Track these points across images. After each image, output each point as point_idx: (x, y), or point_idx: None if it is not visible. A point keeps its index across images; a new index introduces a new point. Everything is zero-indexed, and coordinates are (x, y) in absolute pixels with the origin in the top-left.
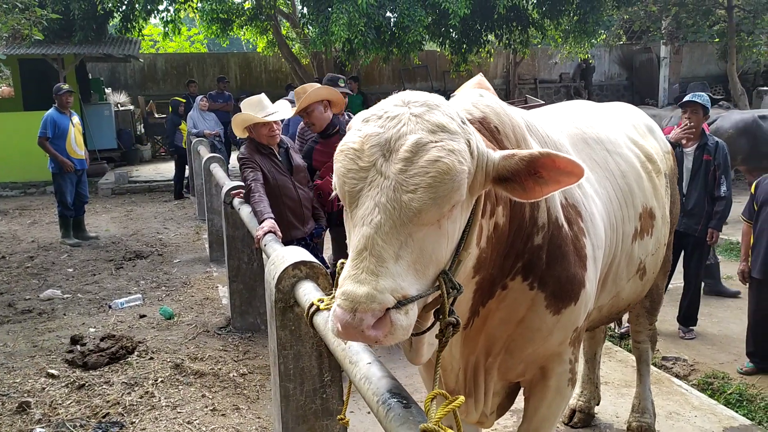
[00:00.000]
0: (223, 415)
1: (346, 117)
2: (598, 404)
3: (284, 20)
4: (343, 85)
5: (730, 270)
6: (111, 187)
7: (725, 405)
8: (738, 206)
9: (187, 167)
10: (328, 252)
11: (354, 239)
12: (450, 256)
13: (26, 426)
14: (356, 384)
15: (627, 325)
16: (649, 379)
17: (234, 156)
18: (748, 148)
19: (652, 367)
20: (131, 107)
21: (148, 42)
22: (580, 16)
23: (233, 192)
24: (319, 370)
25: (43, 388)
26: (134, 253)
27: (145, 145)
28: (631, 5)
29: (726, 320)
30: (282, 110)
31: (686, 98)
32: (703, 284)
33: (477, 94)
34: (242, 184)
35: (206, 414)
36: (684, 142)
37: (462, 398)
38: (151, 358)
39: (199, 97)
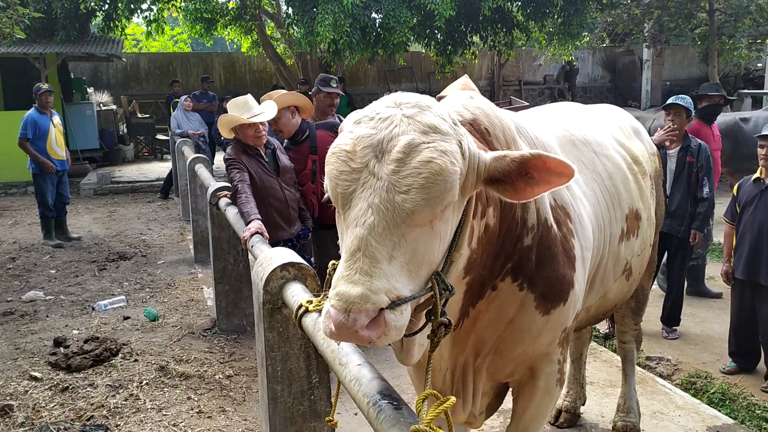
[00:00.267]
0: (209, 417)
1: (337, 119)
2: (583, 404)
3: (269, 20)
4: (335, 86)
5: (712, 271)
6: (93, 188)
7: (708, 404)
8: (720, 207)
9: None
10: None
11: (347, 240)
12: (442, 257)
13: (9, 429)
14: (346, 386)
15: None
16: (634, 379)
17: (218, 156)
18: (730, 150)
19: (636, 367)
20: (114, 107)
21: (131, 41)
22: (564, 19)
23: (219, 193)
24: (307, 371)
25: (26, 391)
26: (117, 255)
27: (128, 145)
28: (614, 8)
29: (708, 320)
30: (268, 111)
31: (669, 101)
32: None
33: (467, 96)
34: (228, 185)
35: (192, 416)
36: (667, 144)
37: (453, 399)
38: (136, 360)
39: (183, 97)
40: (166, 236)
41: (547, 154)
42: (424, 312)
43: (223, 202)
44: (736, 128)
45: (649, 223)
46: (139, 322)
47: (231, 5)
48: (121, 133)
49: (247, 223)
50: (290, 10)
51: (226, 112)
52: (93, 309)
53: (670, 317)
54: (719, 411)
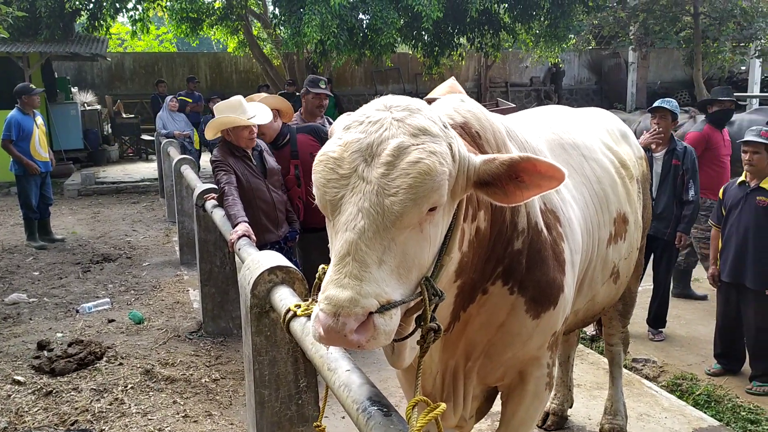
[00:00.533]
0: (195, 421)
1: (326, 122)
2: (571, 407)
3: (255, 20)
4: (324, 87)
5: (698, 273)
6: (77, 189)
7: (694, 406)
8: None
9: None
10: None
11: (337, 244)
12: (432, 261)
13: None
14: (335, 391)
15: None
16: (621, 382)
17: (205, 157)
18: None
19: (623, 369)
20: (98, 107)
21: (115, 41)
22: (550, 21)
23: (206, 195)
24: (295, 376)
25: (9, 396)
26: (102, 256)
27: (113, 146)
28: (600, 11)
29: (694, 322)
30: (264, 114)
31: (655, 104)
32: (672, 286)
33: (458, 100)
34: (215, 186)
35: (178, 421)
36: (653, 147)
37: (444, 406)
38: (121, 364)
39: (168, 98)
40: (152, 238)
41: (537, 157)
42: (414, 316)
43: (210, 204)
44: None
45: (637, 226)
46: (124, 325)
47: (217, 5)
48: (105, 133)
49: (234, 226)
50: (277, 11)
51: (212, 113)
52: (77, 312)
53: (657, 319)
54: (705, 413)
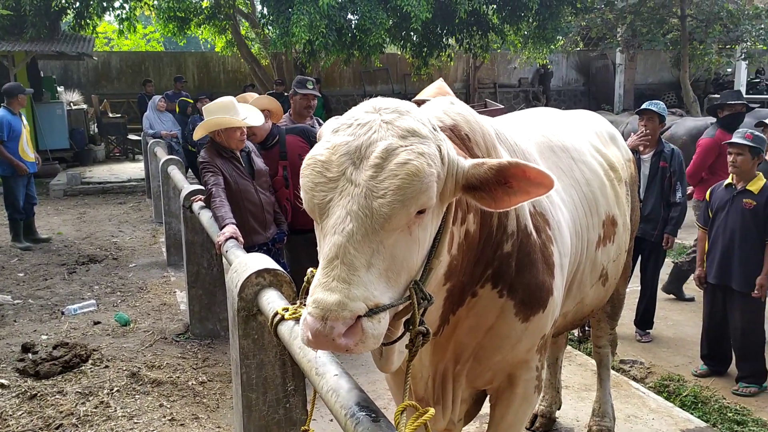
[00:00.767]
0: (181, 425)
1: (315, 123)
2: (559, 408)
3: (243, 20)
4: (311, 87)
5: None
6: (63, 189)
7: (681, 407)
8: (692, 211)
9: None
10: None
11: (325, 248)
12: (421, 264)
13: None
14: (323, 396)
15: (587, 328)
16: (609, 384)
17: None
18: None
19: (611, 370)
20: (84, 106)
21: (102, 40)
22: (539, 23)
23: (193, 197)
24: (283, 379)
25: None
26: (88, 257)
27: (99, 146)
28: (588, 12)
29: (681, 324)
30: (253, 115)
31: (643, 106)
32: (666, 281)
33: (448, 102)
34: (202, 187)
35: (164, 424)
36: (641, 149)
37: (432, 411)
38: (107, 367)
39: (157, 98)
40: (138, 239)
41: (526, 163)
42: (403, 320)
43: (197, 205)
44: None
45: (625, 228)
46: (109, 327)
47: (205, 4)
48: (91, 132)
49: (221, 228)
50: (265, 10)
51: (200, 113)
52: (62, 314)
53: (644, 320)
54: (692, 414)
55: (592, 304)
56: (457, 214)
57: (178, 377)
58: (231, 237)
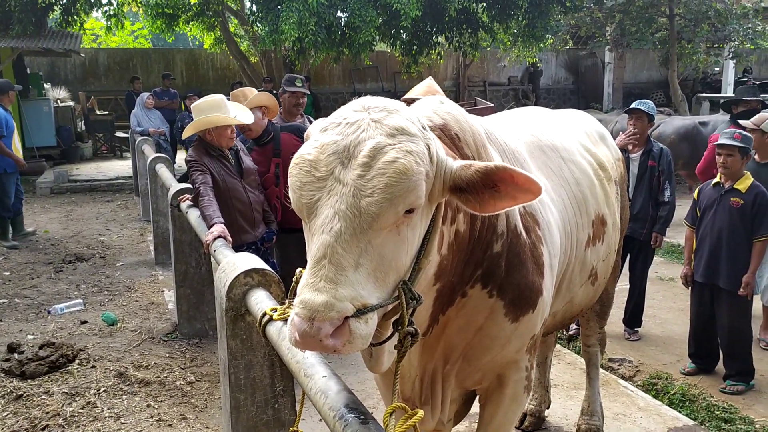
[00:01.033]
0: (169, 425)
1: (306, 120)
2: (548, 407)
3: (232, 17)
4: (300, 85)
5: (672, 272)
6: (50, 187)
7: (669, 405)
8: (680, 210)
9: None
10: None
11: (313, 247)
12: (410, 264)
13: None
14: (311, 398)
15: (575, 327)
16: (598, 382)
17: (180, 156)
18: (689, 153)
19: (599, 369)
20: (72, 103)
21: (89, 36)
22: (528, 21)
23: (180, 197)
24: (271, 379)
25: None
26: (75, 256)
27: (86, 143)
28: (577, 11)
29: (669, 322)
30: (243, 113)
31: (632, 105)
32: None
33: (438, 101)
34: (190, 186)
35: (152, 425)
36: (630, 147)
37: (421, 413)
38: (93, 367)
39: (145, 95)
40: (126, 237)
41: (514, 168)
42: (392, 321)
43: (185, 204)
44: (695, 132)
45: (614, 228)
46: (96, 327)
47: (193, 0)
48: (79, 130)
49: (209, 227)
50: (254, 7)
51: (189, 111)
52: (49, 313)
53: (632, 319)
54: (680, 412)
55: (582, 304)
56: (446, 214)
57: (166, 377)
58: (219, 236)
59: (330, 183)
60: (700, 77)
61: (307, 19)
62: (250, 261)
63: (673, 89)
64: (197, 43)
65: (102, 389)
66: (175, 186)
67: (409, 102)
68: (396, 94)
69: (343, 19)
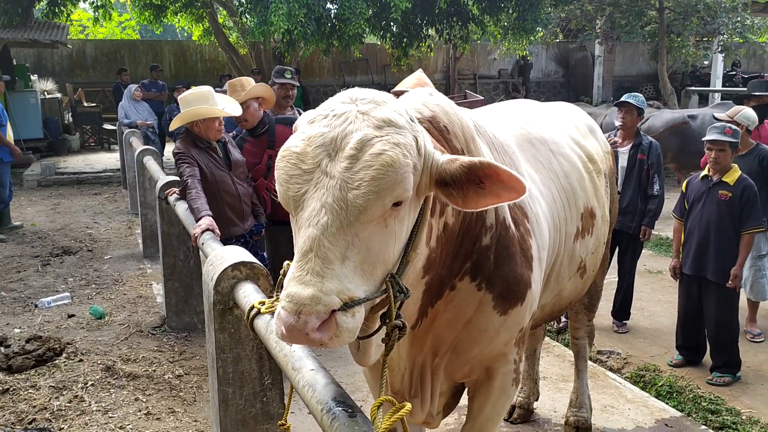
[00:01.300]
0: (157, 419)
1: (296, 112)
2: (537, 400)
3: (221, 8)
4: (290, 77)
5: (660, 265)
6: (37, 179)
7: (656, 397)
8: (668, 203)
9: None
10: None
11: (299, 241)
12: (398, 257)
13: None
14: (299, 391)
15: (564, 319)
16: (586, 375)
17: (168, 148)
18: (678, 146)
19: (588, 361)
20: (59, 95)
21: (76, 27)
22: (518, 14)
23: (168, 191)
24: (260, 373)
25: None
26: (62, 249)
27: (74, 135)
28: (567, 4)
29: (657, 314)
30: (231, 105)
31: (622, 98)
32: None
33: (427, 93)
34: (177, 179)
35: (140, 418)
36: (619, 141)
37: (409, 406)
38: (81, 360)
39: (133, 86)
40: (114, 230)
41: (499, 165)
42: (380, 314)
43: (173, 197)
44: (684, 125)
45: (603, 221)
46: (84, 320)
47: None
48: (66, 122)
49: (197, 220)
50: None
51: (177, 103)
52: (36, 306)
53: (621, 311)
54: (667, 404)
55: (571, 296)
56: (435, 206)
57: (154, 371)
58: (207, 229)
59: (317, 176)
60: (690, 71)
61: (297, 11)
62: (238, 254)
63: (663, 82)
64: (185, 34)
65: (89, 383)
66: (162, 179)
67: (399, 94)
68: (386, 86)
69: (332, 11)
